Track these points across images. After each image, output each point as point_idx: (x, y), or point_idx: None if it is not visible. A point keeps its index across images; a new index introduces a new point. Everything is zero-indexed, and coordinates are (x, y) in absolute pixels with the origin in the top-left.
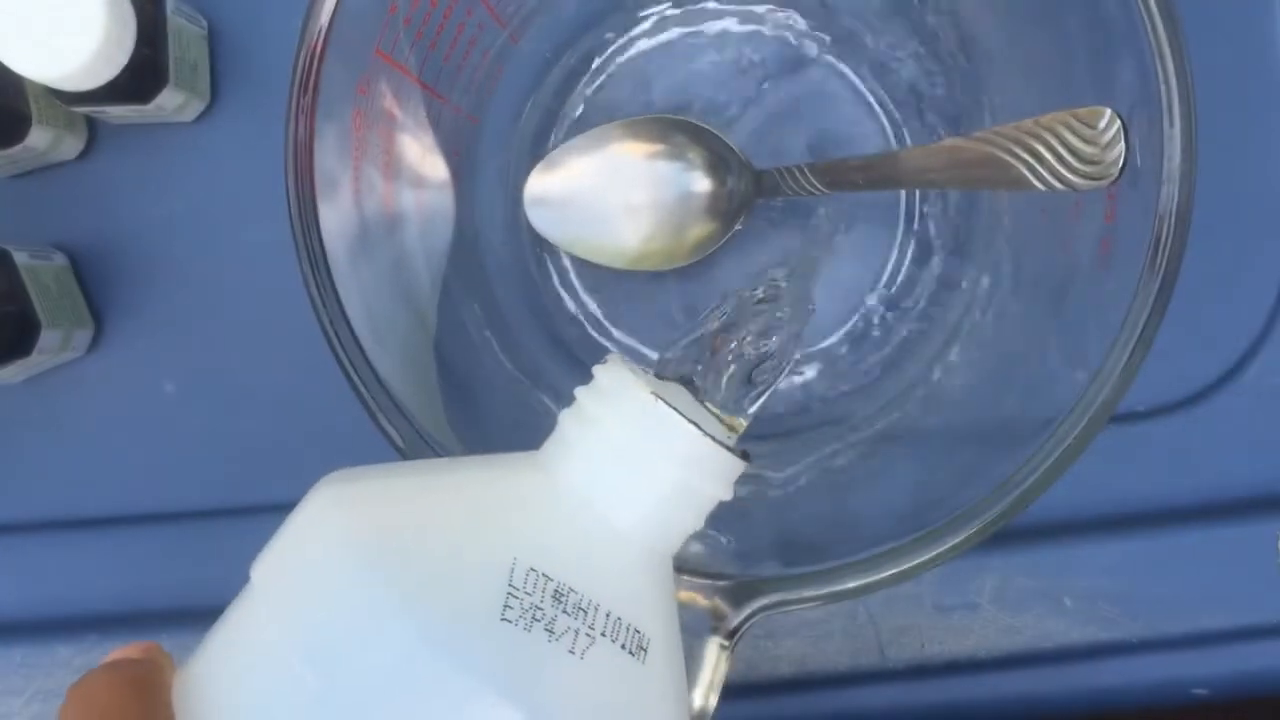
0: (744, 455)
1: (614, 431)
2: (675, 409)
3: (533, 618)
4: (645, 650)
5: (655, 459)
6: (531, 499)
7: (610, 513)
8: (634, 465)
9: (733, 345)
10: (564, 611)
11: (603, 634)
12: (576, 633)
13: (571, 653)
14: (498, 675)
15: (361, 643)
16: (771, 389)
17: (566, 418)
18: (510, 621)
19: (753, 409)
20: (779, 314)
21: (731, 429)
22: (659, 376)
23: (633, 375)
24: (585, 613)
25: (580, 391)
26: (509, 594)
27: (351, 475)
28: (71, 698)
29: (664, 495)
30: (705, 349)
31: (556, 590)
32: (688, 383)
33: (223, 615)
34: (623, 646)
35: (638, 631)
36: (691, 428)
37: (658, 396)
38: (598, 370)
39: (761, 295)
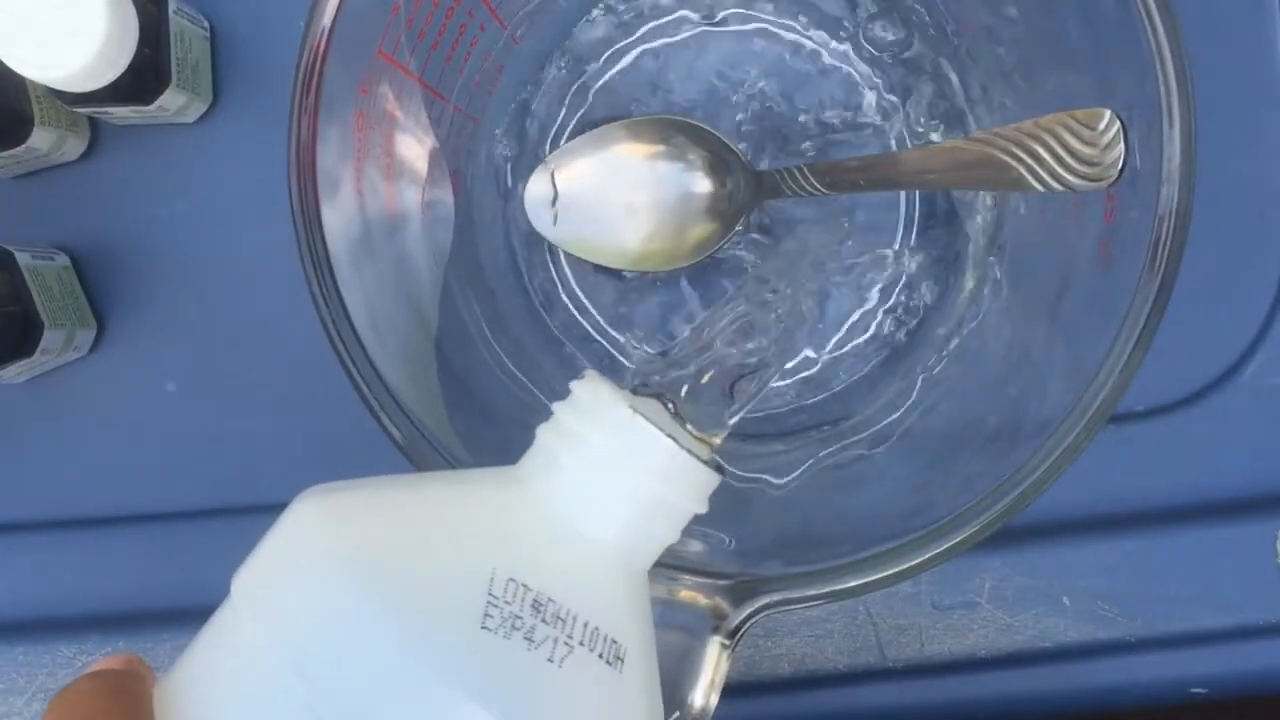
0: (719, 469)
1: (592, 446)
2: (653, 423)
3: (512, 626)
4: (622, 660)
5: (632, 473)
6: (510, 511)
7: (588, 525)
8: (611, 479)
9: (709, 363)
10: (543, 620)
11: (581, 643)
12: (555, 641)
13: (550, 661)
14: (478, 682)
15: (347, 650)
16: (749, 406)
17: (544, 432)
18: (490, 630)
19: (732, 421)
20: (754, 340)
21: (707, 444)
22: (636, 393)
23: (611, 391)
24: (564, 622)
25: (558, 407)
26: (489, 603)
27: (332, 489)
28: (54, 705)
29: (641, 508)
30: (682, 366)
31: (535, 600)
32: (664, 400)
33: (204, 626)
34: (600, 656)
35: (615, 641)
36: (669, 442)
37: (636, 411)
38: (575, 386)
39: (738, 317)
